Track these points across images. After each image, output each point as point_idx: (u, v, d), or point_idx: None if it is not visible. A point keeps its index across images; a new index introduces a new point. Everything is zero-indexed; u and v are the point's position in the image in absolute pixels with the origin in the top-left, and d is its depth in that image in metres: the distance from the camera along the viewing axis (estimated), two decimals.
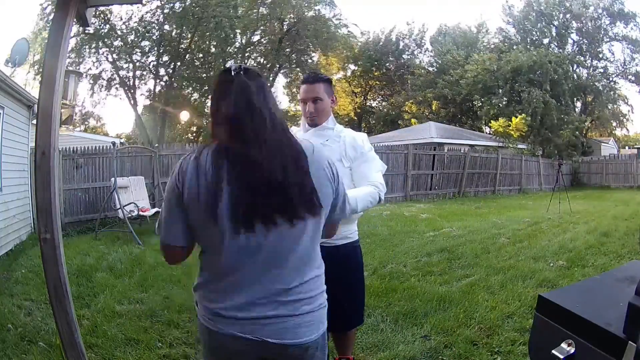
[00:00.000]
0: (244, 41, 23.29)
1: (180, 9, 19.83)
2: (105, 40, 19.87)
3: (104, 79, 21.49)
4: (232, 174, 1.00)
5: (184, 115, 21.52)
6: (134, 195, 7.18)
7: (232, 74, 1.07)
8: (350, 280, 1.94)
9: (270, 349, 1.04)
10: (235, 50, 23.08)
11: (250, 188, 1.00)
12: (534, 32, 27.08)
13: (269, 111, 1.06)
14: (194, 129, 24.89)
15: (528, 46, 25.47)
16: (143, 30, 20.30)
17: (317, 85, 1.84)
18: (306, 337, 1.07)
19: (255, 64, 24.51)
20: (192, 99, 23.34)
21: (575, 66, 25.37)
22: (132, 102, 22.36)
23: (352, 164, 1.87)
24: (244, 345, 1.04)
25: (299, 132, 1.99)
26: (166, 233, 1.09)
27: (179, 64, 21.80)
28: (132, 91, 22.19)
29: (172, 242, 1.08)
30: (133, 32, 20.33)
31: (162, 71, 22.27)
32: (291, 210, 1.02)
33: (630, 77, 26.08)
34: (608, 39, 26.01)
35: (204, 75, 22.74)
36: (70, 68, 15.22)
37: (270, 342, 1.03)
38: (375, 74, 30.42)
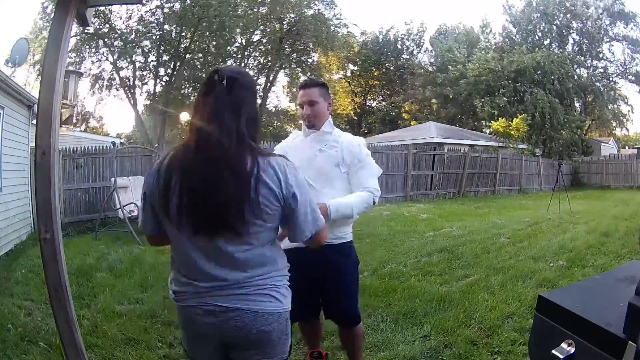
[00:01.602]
0: (244, 41, 23.29)
1: (181, 9, 19.82)
2: (105, 40, 19.87)
3: (104, 79, 21.52)
4: (180, 181, 1.08)
5: (184, 116, 21.49)
6: (134, 195, 7.16)
7: (216, 79, 1.09)
8: (342, 279, 1.96)
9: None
10: (236, 50, 23.07)
11: (192, 196, 1.07)
12: (535, 32, 27.07)
13: (235, 129, 1.08)
14: None
15: (529, 46, 25.46)
16: (143, 30, 20.29)
17: (313, 89, 1.96)
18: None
19: (255, 64, 24.51)
20: (192, 99, 23.31)
21: (575, 66, 25.35)
22: (132, 102, 22.39)
23: (349, 169, 1.95)
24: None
25: (300, 136, 2.06)
26: (142, 223, 1.25)
27: (179, 64, 21.79)
28: (132, 91, 22.18)
29: (146, 232, 1.26)
30: (133, 32, 20.33)
31: (162, 71, 22.27)
32: (212, 227, 1.08)
33: (630, 77, 26.10)
34: (608, 39, 26.04)
35: (204, 75, 22.69)
36: (71, 68, 15.22)
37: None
38: (375, 73, 30.40)
